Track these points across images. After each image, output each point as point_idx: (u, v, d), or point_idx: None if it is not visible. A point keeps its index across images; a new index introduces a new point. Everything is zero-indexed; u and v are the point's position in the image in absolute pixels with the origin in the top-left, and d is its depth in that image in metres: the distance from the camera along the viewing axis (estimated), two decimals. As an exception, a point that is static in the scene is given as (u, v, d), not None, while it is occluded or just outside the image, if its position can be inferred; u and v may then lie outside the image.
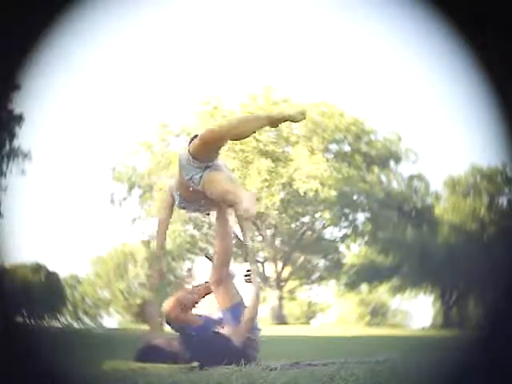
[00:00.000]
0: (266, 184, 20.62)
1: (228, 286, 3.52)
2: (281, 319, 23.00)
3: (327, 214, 22.43)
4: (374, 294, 31.37)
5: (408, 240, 23.48)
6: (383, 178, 23.22)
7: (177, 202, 3.62)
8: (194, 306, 3.50)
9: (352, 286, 26.70)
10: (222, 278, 3.50)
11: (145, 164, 23.09)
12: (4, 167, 14.03)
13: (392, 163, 23.38)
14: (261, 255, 24.24)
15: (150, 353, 3.23)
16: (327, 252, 25.11)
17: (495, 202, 23.55)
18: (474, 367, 2.43)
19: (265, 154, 21.25)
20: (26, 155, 14.44)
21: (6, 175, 14.03)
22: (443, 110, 33.18)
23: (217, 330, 3.39)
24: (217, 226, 3.62)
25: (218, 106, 21.75)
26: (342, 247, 24.89)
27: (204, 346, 3.29)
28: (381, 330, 19.60)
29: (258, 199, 20.64)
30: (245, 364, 2.83)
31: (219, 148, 3.51)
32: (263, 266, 24.26)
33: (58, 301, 20.04)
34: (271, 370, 2.74)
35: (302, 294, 32.63)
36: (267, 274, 24.04)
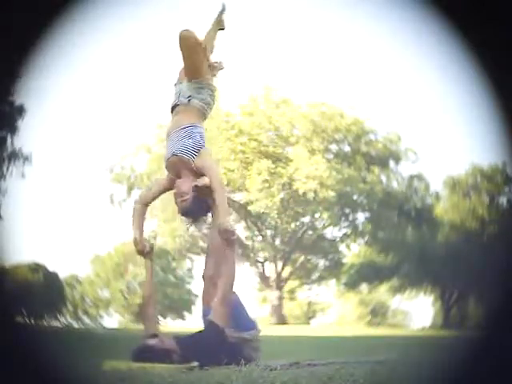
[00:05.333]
0: (266, 185, 20.63)
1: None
2: (281, 319, 23.01)
3: (326, 214, 22.46)
4: (374, 294, 31.39)
5: (408, 240, 23.50)
6: (383, 178, 23.23)
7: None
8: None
9: (352, 285, 26.72)
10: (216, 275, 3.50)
11: (144, 165, 23.15)
12: (4, 169, 14.05)
13: (392, 163, 23.40)
14: (261, 255, 24.26)
15: (144, 353, 3.24)
16: (327, 252, 25.13)
17: (495, 202, 23.57)
18: (473, 367, 2.43)
19: (265, 154, 21.27)
20: (26, 158, 14.47)
21: (5, 177, 14.05)
22: (443, 110, 33.22)
23: (209, 319, 3.37)
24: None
25: (217, 107, 21.75)
26: (342, 247, 24.93)
27: (198, 343, 3.30)
28: (381, 330, 19.60)
29: (258, 200, 20.66)
30: (244, 364, 2.83)
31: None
32: (263, 265, 24.26)
33: (57, 301, 20.03)
34: (271, 370, 2.74)
35: (302, 294, 32.69)
36: (267, 273, 24.05)
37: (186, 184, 3.36)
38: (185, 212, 3.41)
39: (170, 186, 3.49)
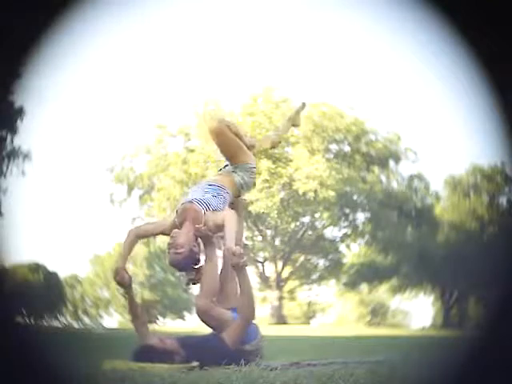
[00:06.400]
0: (266, 184, 20.63)
1: (216, 311, 3.45)
2: (281, 319, 23.00)
3: (326, 214, 22.46)
4: (374, 294, 31.39)
5: (408, 240, 23.50)
6: (383, 178, 23.23)
7: None
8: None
9: (352, 285, 26.73)
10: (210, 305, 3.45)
11: (144, 165, 23.13)
12: (4, 168, 14.05)
13: (392, 163, 23.39)
14: (261, 255, 24.25)
15: (145, 354, 3.22)
16: (327, 252, 25.12)
17: (495, 202, 23.56)
18: (474, 367, 2.43)
19: (265, 154, 21.26)
20: (26, 155, 14.47)
21: (6, 176, 14.05)
22: (443, 110, 33.21)
23: (214, 333, 3.37)
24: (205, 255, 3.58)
25: (217, 107, 21.76)
26: (342, 247, 24.93)
27: (199, 345, 3.28)
28: (381, 330, 19.59)
29: (258, 200, 20.67)
30: (244, 364, 2.83)
31: None
32: (263, 266, 24.26)
33: (57, 301, 20.03)
34: (271, 370, 2.73)
35: (302, 294, 32.67)
36: (267, 274, 24.05)
37: (183, 237, 3.36)
38: (174, 264, 3.42)
39: (171, 231, 3.51)
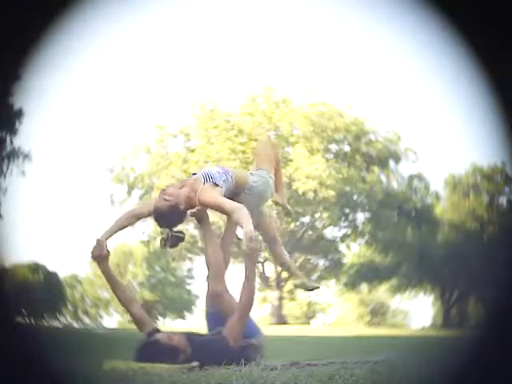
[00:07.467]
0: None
1: (228, 296, 3.48)
2: (281, 319, 22.99)
3: (326, 214, 22.45)
4: (374, 294, 31.40)
5: (408, 240, 23.50)
6: (383, 178, 23.22)
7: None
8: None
9: (352, 285, 26.73)
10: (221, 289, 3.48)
11: (144, 165, 23.13)
12: (4, 168, 14.06)
13: (392, 163, 23.38)
14: (261, 255, 24.23)
15: (150, 348, 3.17)
16: (327, 252, 25.12)
17: (495, 202, 23.57)
18: (474, 367, 2.43)
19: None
20: (26, 156, 14.47)
21: (5, 176, 14.06)
22: (443, 110, 33.21)
23: (219, 330, 3.35)
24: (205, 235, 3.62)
25: (216, 107, 21.76)
26: (342, 247, 24.94)
27: (205, 345, 3.27)
28: (381, 330, 19.59)
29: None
30: (245, 364, 2.83)
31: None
32: (263, 266, 24.25)
33: (57, 301, 20.04)
34: (271, 369, 2.73)
35: (302, 294, 32.67)
36: (267, 274, 24.04)
37: (175, 189, 3.42)
38: (157, 209, 3.39)
39: None
